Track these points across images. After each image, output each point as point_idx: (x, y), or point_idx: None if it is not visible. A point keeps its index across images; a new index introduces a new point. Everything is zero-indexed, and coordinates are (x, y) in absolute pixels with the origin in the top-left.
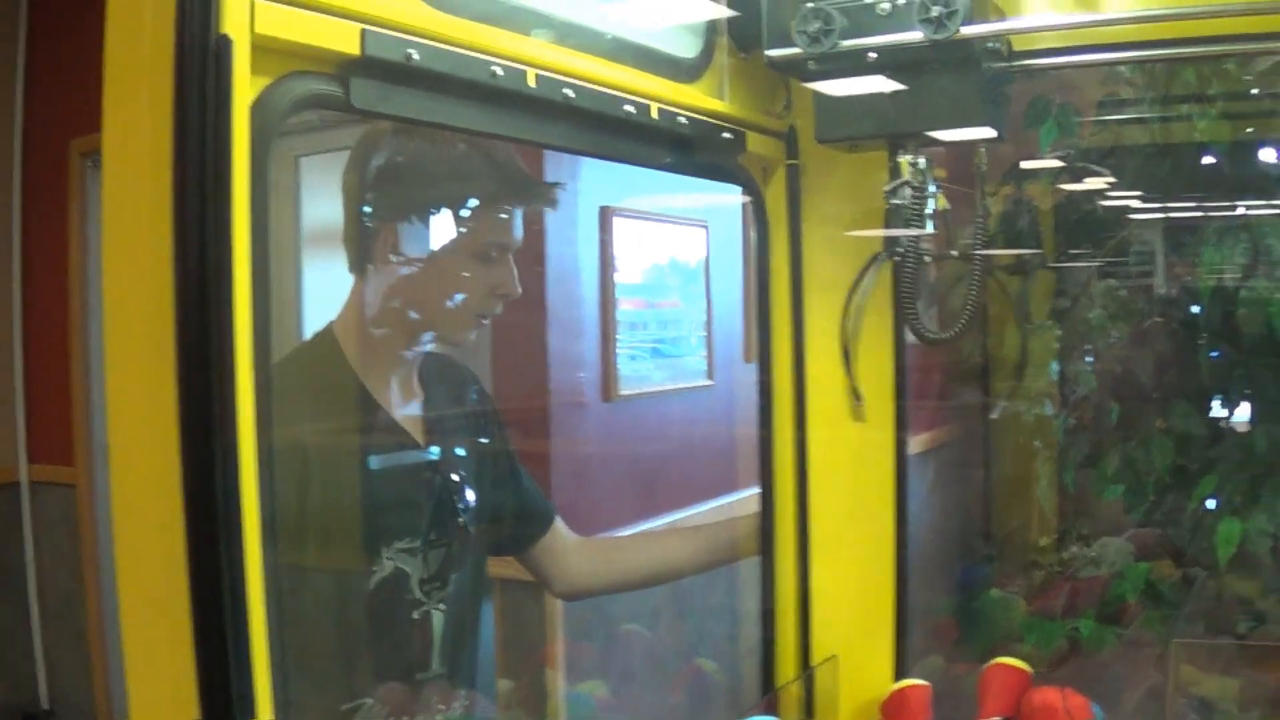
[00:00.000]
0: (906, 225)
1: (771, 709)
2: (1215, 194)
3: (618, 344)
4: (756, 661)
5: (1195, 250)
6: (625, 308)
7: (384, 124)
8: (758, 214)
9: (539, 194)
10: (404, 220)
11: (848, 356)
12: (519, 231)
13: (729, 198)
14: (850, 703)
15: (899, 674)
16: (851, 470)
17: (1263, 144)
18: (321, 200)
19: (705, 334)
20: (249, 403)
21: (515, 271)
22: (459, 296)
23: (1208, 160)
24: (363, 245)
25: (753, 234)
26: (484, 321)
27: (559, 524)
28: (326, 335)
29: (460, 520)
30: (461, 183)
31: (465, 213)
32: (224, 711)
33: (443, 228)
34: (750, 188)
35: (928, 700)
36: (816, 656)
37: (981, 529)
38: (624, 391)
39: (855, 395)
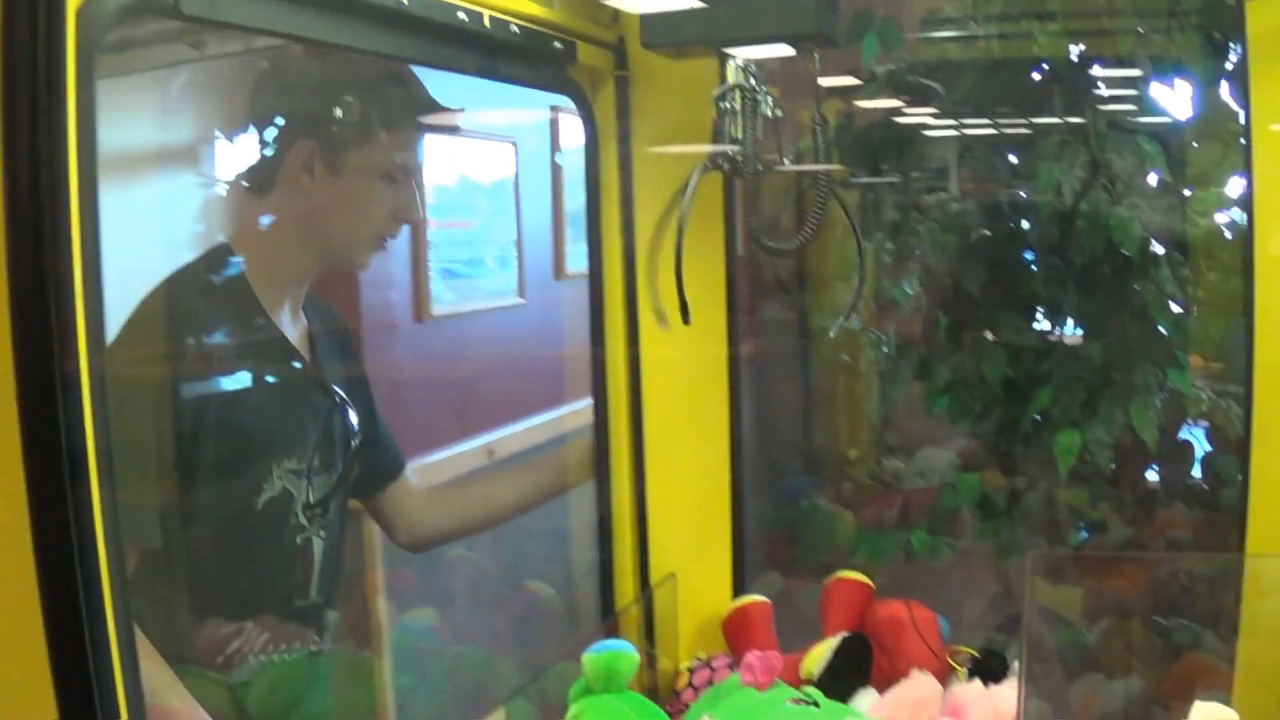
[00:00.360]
0: (737, 135)
1: (613, 633)
2: (1051, 109)
3: (429, 264)
4: (592, 583)
5: (1031, 165)
6: (434, 227)
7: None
8: (587, 127)
9: (443, 118)
10: (312, 139)
11: (679, 271)
12: (422, 155)
13: (538, 113)
14: (690, 621)
15: (737, 591)
16: (685, 385)
17: (1100, 60)
18: (117, 127)
19: (515, 252)
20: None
21: (418, 195)
22: (364, 218)
23: (1044, 74)
24: (268, 163)
25: (563, 151)
26: (383, 245)
27: (408, 472)
28: (223, 251)
29: (351, 445)
30: (373, 104)
31: (375, 134)
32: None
33: (352, 148)
34: (580, 100)
35: (769, 616)
36: (655, 576)
37: (805, 443)
38: (436, 312)
39: (659, 316)
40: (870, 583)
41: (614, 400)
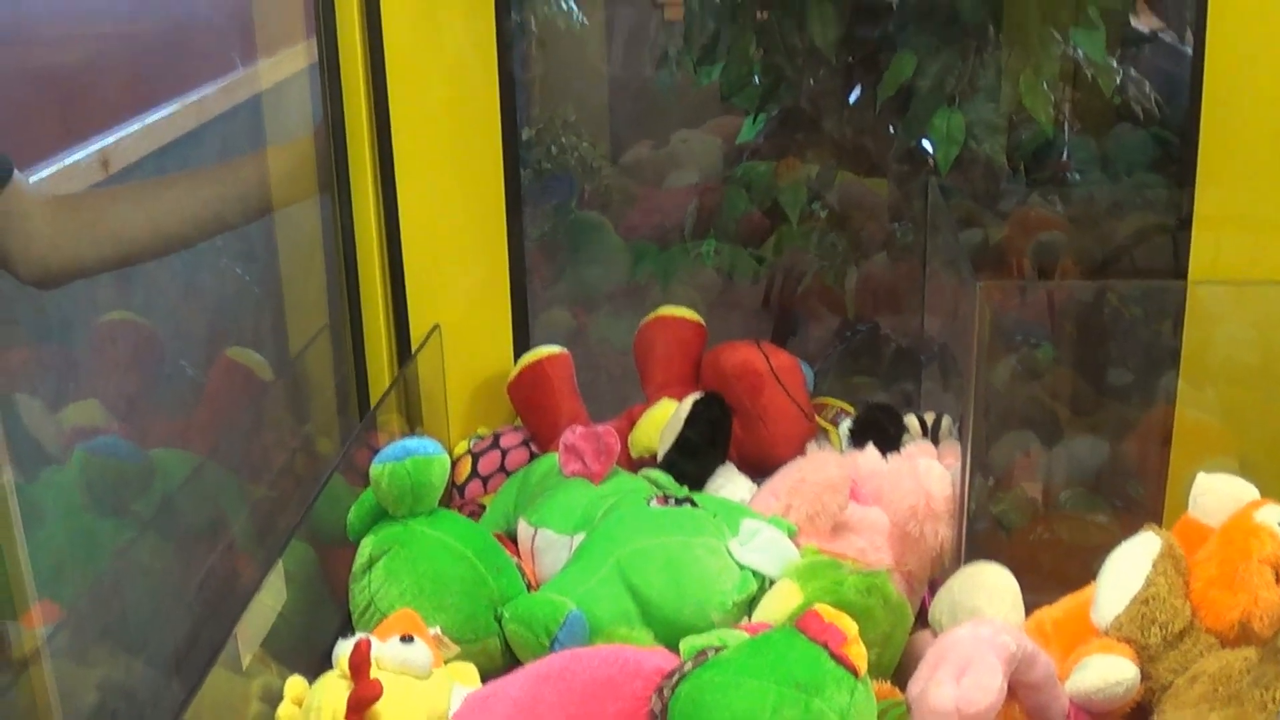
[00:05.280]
0: None
1: (372, 427)
2: None
3: None
4: (325, 344)
5: None
6: None
7: None
8: None
9: None
10: None
11: None
12: None
13: None
14: (461, 387)
15: (520, 339)
16: (448, 61)
17: None
18: None
19: None
20: None
21: None
22: None
23: None
24: None
25: None
26: None
27: (20, 181)
28: None
29: None
30: None
31: None
32: None
33: None
34: None
35: (569, 372)
36: (416, 331)
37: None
38: None
39: None
40: (701, 320)
41: (350, 83)
